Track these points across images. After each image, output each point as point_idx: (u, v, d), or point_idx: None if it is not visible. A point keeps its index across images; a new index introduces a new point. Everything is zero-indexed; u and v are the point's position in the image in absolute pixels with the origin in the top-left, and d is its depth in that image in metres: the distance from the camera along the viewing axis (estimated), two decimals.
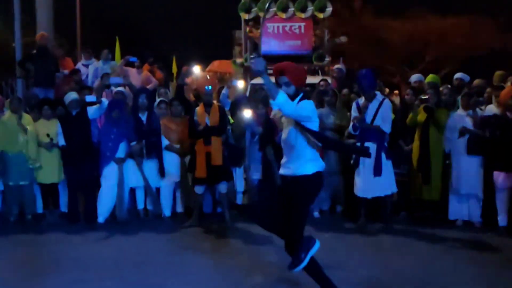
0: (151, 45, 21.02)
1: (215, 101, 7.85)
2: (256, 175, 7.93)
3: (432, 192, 7.37)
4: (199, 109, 7.40)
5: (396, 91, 14.42)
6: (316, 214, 7.80)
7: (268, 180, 7.85)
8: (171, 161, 7.72)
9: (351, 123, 7.18)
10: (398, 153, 7.53)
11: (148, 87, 9.88)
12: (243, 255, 6.10)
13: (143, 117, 7.68)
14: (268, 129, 7.79)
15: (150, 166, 7.65)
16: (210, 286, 5.13)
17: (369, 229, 7.09)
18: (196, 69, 11.07)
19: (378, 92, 7.21)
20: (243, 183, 8.01)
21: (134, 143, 7.54)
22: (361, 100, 7.18)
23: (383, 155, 6.97)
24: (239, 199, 8.14)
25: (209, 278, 5.32)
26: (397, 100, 10.56)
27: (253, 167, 7.86)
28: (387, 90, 11.37)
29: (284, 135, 4.49)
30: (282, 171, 4.49)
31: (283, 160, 4.52)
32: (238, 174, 7.94)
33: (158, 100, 8.23)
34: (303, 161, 4.36)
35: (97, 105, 7.62)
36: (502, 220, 6.98)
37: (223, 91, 8.49)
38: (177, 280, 5.27)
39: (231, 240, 6.80)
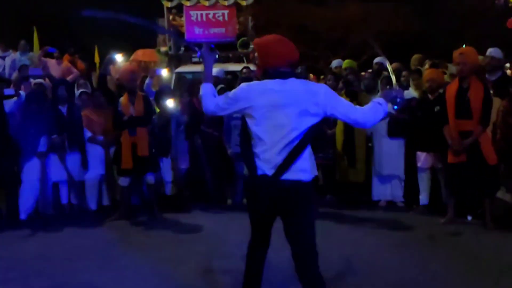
0: (71, 34, 20.35)
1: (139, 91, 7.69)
2: (184, 165, 7.87)
3: (357, 174, 7.57)
4: (123, 99, 7.22)
5: (322, 77, 14.61)
6: (245, 200, 7.82)
7: (196, 169, 7.83)
8: (95, 153, 7.52)
9: None
10: (322, 138, 7.67)
11: (69, 78, 9.58)
12: (172, 246, 6.03)
13: (64, 109, 7.43)
14: (194, 118, 7.75)
15: (73, 159, 7.43)
16: (139, 280, 5.03)
17: None
18: (119, 58, 10.84)
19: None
20: (171, 173, 7.92)
21: (55, 136, 7.29)
22: None
23: None
24: (167, 190, 8.05)
25: (137, 272, 5.23)
26: None
27: (180, 157, 7.80)
28: (312, 76, 11.53)
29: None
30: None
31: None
32: (165, 164, 7.84)
33: (79, 91, 7.98)
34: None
35: (15, 98, 7.33)
36: (423, 199, 7.25)
37: (147, 81, 8.35)
38: (105, 274, 5.15)
39: (159, 231, 6.70)
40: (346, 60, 9.22)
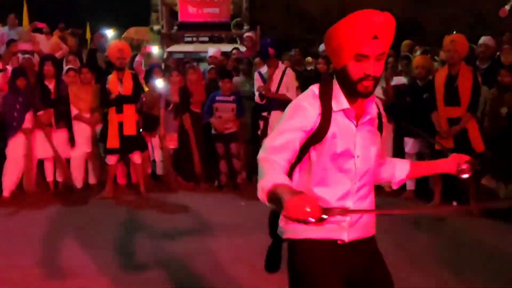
0: (62, 10, 20.12)
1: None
2: (172, 144, 7.82)
3: None
4: (111, 77, 7.15)
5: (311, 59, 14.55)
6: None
7: (184, 149, 7.78)
8: (81, 131, 7.44)
9: (257, 92, 7.21)
10: None
11: (58, 54, 9.48)
12: (157, 226, 6.02)
13: (50, 85, 7.34)
14: (184, 97, 7.69)
15: (59, 136, 7.36)
16: (123, 258, 5.03)
17: None
18: (110, 34, 10.76)
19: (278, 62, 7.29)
20: (159, 153, 7.88)
21: (41, 112, 7.22)
22: (263, 70, 7.22)
23: None
24: (155, 169, 8.02)
25: (122, 250, 5.23)
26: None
27: (168, 136, 7.75)
28: (309, 59, 11.39)
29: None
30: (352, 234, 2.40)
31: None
32: (154, 143, 7.79)
33: (66, 67, 7.88)
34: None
35: (1, 73, 7.25)
36: (410, 184, 7.23)
37: (137, 59, 8.28)
38: (88, 253, 5.13)
39: (145, 211, 6.67)
40: None
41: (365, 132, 2.31)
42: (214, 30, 13.10)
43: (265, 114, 7.16)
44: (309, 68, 9.59)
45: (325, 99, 2.24)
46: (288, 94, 7.08)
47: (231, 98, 7.46)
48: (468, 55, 6.75)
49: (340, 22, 2.20)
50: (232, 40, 12.95)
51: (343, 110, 2.24)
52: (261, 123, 7.30)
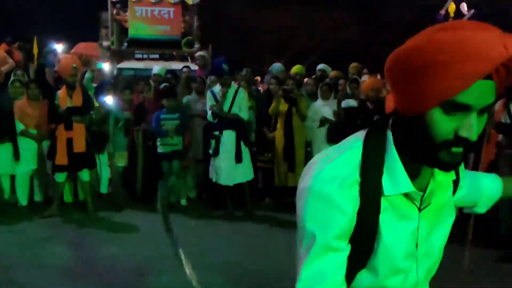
0: (9, 23, 19.65)
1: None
2: (121, 162, 7.71)
3: (296, 179, 7.56)
4: (60, 92, 7.00)
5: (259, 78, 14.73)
6: (183, 202, 7.74)
7: (133, 167, 7.67)
8: (27, 147, 7.21)
9: (209, 111, 7.19)
10: (262, 141, 7.69)
11: (4, 68, 9.23)
12: (105, 245, 5.90)
13: None
14: (140, 114, 7.61)
15: (4, 151, 7.12)
16: (70, 279, 4.90)
17: (235, 215, 7.17)
18: (59, 49, 10.57)
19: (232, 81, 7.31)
20: (108, 170, 7.74)
21: None
22: (216, 88, 7.22)
23: (242, 142, 7.13)
24: (104, 187, 7.87)
25: (69, 270, 5.09)
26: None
27: (117, 154, 7.63)
28: (258, 78, 11.50)
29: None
30: None
31: None
32: (102, 161, 7.65)
33: (12, 79, 7.65)
34: None
35: None
36: None
37: (87, 75, 8.15)
38: (34, 273, 4.99)
39: (92, 230, 6.54)
40: (296, 66, 9.28)
41: (431, 213, 1.41)
42: (165, 48, 13.07)
43: (217, 133, 7.15)
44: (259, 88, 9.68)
45: (371, 176, 1.31)
46: (241, 114, 7.10)
47: (176, 115, 7.42)
48: None
49: (434, 33, 1.18)
50: (183, 58, 12.94)
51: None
52: (213, 142, 7.28)
